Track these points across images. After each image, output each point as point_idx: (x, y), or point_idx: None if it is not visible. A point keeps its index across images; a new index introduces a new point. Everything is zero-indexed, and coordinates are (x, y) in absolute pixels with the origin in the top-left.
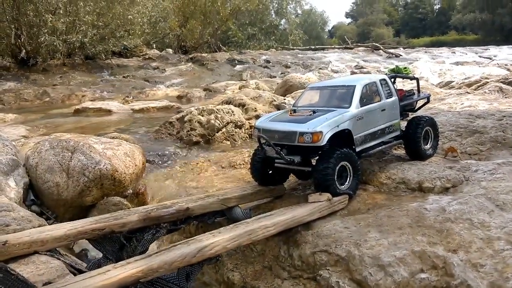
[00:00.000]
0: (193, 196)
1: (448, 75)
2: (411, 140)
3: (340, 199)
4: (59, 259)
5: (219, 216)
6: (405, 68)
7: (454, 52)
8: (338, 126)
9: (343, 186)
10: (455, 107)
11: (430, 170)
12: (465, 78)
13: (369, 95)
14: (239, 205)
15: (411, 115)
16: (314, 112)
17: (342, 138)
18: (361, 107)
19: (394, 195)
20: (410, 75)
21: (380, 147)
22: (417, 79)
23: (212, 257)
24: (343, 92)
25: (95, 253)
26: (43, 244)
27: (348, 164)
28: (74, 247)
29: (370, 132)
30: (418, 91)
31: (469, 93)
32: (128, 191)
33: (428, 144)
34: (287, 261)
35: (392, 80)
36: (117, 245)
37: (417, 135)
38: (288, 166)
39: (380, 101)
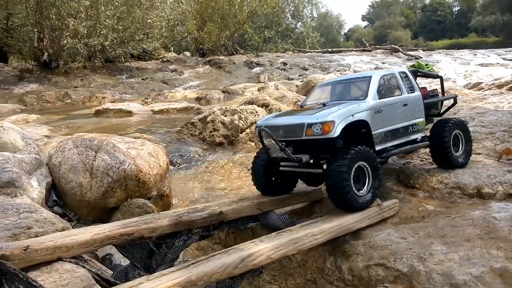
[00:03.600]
0: (225, 199)
1: (474, 77)
2: (438, 146)
3: (390, 204)
4: (85, 267)
5: (252, 221)
6: (427, 64)
7: (476, 54)
8: (353, 116)
9: (361, 192)
10: (502, 106)
11: (488, 174)
12: (495, 79)
13: (388, 87)
14: (274, 210)
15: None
16: (324, 105)
17: (360, 136)
18: (379, 99)
19: (448, 202)
20: (433, 72)
21: (403, 148)
22: (441, 78)
23: (256, 269)
24: (358, 84)
25: (120, 258)
26: (68, 250)
27: (366, 164)
28: (97, 250)
29: (391, 129)
30: (443, 91)
31: (503, 93)
32: (152, 193)
33: (459, 151)
34: (335, 274)
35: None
36: (146, 252)
37: (444, 139)
38: (295, 168)
39: (401, 95)
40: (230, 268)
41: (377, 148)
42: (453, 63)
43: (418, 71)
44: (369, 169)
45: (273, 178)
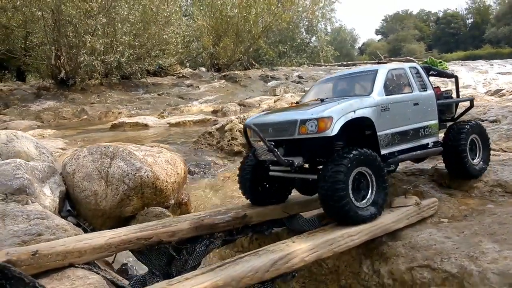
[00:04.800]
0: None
1: (493, 85)
2: (453, 152)
3: (429, 203)
4: (99, 273)
5: (278, 226)
6: (441, 62)
7: (492, 65)
8: (354, 112)
9: (361, 203)
10: None
11: None
12: None
13: (397, 83)
14: (301, 213)
15: None
16: (323, 100)
17: (363, 139)
18: (386, 95)
19: (489, 200)
20: (447, 71)
21: (413, 153)
22: (456, 77)
23: (288, 273)
24: (362, 79)
25: (137, 269)
26: (80, 255)
27: (369, 170)
28: (113, 263)
29: (400, 131)
30: (457, 93)
31: None
32: (170, 202)
33: (477, 158)
34: (372, 279)
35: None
36: (165, 258)
37: (460, 145)
38: (286, 174)
39: (412, 92)
40: (260, 272)
41: (383, 152)
42: (470, 72)
43: (431, 68)
44: (372, 176)
45: (263, 185)
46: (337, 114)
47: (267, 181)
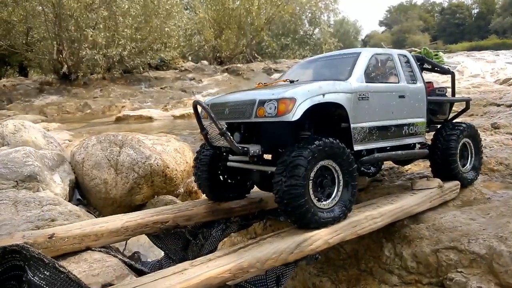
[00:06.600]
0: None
1: (501, 74)
2: (441, 157)
3: (451, 186)
4: (116, 256)
5: None
6: (437, 55)
7: (498, 55)
8: (323, 96)
9: (326, 202)
10: None
11: None
12: None
13: (382, 70)
14: None
15: None
16: (292, 82)
17: (338, 133)
18: (366, 82)
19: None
20: (444, 66)
21: (393, 153)
22: (453, 74)
23: (312, 255)
24: (342, 62)
25: (148, 258)
26: (97, 238)
27: (335, 165)
28: (124, 251)
29: (379, 126)
30: (453, 91)
31: None
32: (180, 190)
33: (467, 164)
34: (395, 262)
35: (418, 64)
36: (181, 243)
37: (450, 148)
38: (244, 165)
39: (398, 83)
40: (285, 253)
41: (356, 148)
42: (477, 62)
43: (424, 60)
44: (339, 171)
45: (221, 178)
46: (302, 96)
47: (226, 173)
